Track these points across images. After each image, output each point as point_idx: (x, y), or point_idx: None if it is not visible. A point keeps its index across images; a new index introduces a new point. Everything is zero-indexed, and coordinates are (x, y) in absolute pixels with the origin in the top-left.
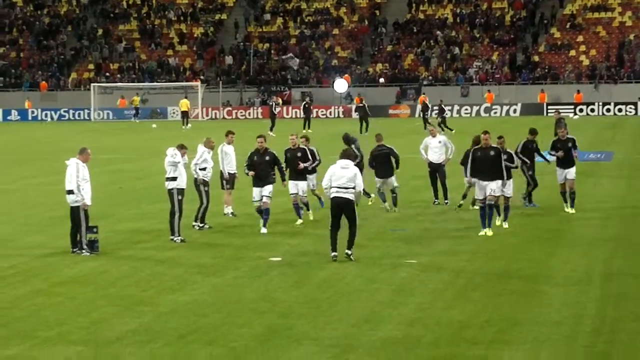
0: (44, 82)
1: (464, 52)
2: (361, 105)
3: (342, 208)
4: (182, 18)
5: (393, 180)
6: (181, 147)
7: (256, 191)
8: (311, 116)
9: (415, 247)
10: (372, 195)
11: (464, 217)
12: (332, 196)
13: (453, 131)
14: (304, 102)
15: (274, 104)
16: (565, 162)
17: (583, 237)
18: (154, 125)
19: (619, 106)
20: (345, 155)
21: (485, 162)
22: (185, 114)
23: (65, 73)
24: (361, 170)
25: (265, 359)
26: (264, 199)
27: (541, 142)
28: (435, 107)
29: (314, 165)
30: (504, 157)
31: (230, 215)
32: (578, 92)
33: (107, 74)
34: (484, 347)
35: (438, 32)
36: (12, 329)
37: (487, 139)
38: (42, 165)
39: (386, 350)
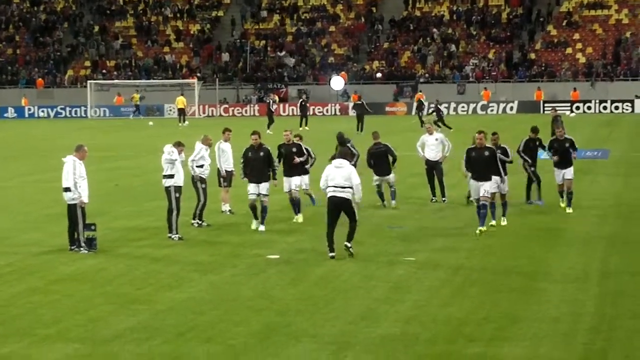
0: (40, 79)
1: (460, 50)
2: (359, 102)
3: (340, 207)
4: (178, 15)
5: (391, 178)
6: (178, 145)
7: (251, 186)
8: (308, 114)
9: (412, 244)
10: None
11: (461, 215)
12: (328, 196)
13: (451, 130)
14: (301, 100)
15: (271, 101)
16: (563, 162)
17: (580, 234)
18: (151, 123)
19: (616, 104)
20: (341, 154)
21: (479, 162)
22: (181, 112)
23: (61, 70)
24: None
25: (263, 356)
26: (263, 198)
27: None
28: (431, 105)
29: (310, 162)
30: (498, 152)
31: (228, 213)
32: (574, 89)
33: (104, 71)
34: (482, 344)
35: (434, 30)
36: (9, 327)
37: (482, 138)
38: (38, 162)
39: (384, 347)
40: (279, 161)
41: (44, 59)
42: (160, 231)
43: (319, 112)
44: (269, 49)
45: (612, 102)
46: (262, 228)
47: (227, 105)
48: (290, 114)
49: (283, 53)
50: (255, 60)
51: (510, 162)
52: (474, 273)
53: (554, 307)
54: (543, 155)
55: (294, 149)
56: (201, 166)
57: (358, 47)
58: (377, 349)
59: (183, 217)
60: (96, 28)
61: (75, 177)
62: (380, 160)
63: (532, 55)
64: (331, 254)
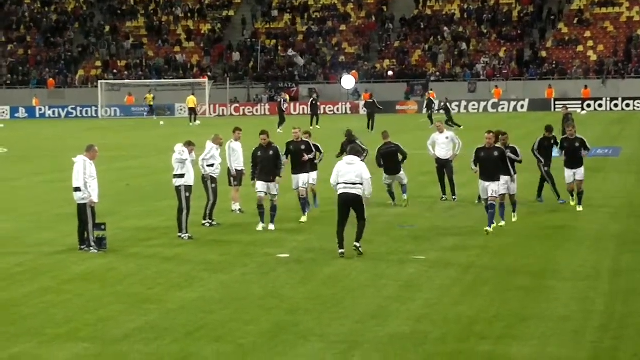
0: (51, 79)
1: (471, 48)
2: (370, 101)
3: (350, 204)
4: (189, 15)
5: (402, 176)
6: (189, 144)
7: (260, 185)
8: (319, 112)
9: (423, 243)
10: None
11: (472, 213)
12: (339, 192)
13: (461, 127)
14: (311, 99)
15: (282, 100)
16: (574, 162)
17: (591, 232)
18: (162, 123)
19: (627, 101)
20: (352, 151)
21: (488, 162)
22: (192, 111)
23: (72, 70)
24: None
25: (273, 355)
26: (273, 198)
27: None
28: (441, 104)
29: (319, 158)
30: (507, 151)
31: (238, 212)
32: (586, 87)
33: (115, 71)
34: (492, 343)
35: (445, 28)
36: (21, 327)
37: (490, 138)
38: (49, 162)
39: (393, 346)
40: (286, 157)
41: (55, 59)
42: (170, 231)
43: (330, 111)
44: (279, 48)
45: (624, 99)
46: (271, 227)
47: (237, 105)
48: (301, 112)
49: (290, 51)
50: (265, 60)
51: (520, 161)
52: (484, 272)
53: (563, 305)
54: (555, 152)
55: (303, 147)
56: (212, 165)
57: (369, 45)
58: (387, 347)
59: (193, 216)
60: (107, 28)
61: (85, 177)
62: (390, 159)
63: (543, 53)
64: (341, 251)
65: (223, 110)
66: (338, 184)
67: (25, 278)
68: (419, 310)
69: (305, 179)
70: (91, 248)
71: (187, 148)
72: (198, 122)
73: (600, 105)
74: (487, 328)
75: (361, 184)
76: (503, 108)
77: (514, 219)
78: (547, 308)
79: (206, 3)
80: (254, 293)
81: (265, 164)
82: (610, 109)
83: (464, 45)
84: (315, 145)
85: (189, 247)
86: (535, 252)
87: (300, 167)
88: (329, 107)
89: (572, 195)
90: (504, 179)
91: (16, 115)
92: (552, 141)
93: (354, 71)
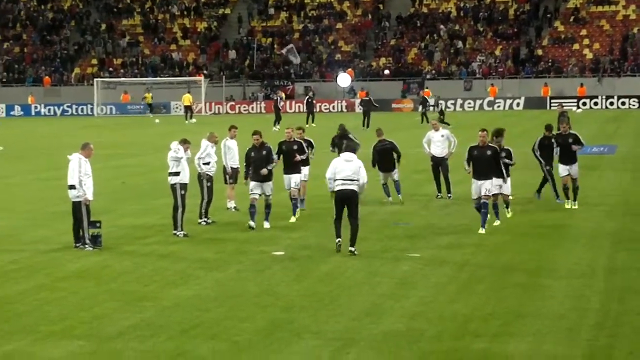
0: (47, 77)
1: (467, 46)
2: (366, 98)
3: (346, 201)
4: (185, 13)
5: (395, 174)
6: (184, 142)
7: (254, 185)
8: (314, 110)
9: (418, 240)
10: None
11: (467, 211)
12: (336, 189)
13: (450, 126)
14: (307, 97)
15: (278, 98)
16: (568, 158)
17: (587, 230)
18: (157, 120)
19: (623, 99)
20: (349, 148)
21: (481, 160)
22: (188, 109)
23: (68, 68)
24: None
25: (268, 352)
26: (268, 198)
27: None
28: (438, 102)
29: (311, 154)
30: (502, 154)
31: (233, 210)
32: (581, 85)
33: (111, 69)
34: (487, 340)
35: (441, 26)
36: (15, 324)
37: (484, 136)
38: (45, 160)
39: (388, 343)
40: (278, 157)
41: (51, 57)
42: (165, 228)
43: (326, 109)
44: (275, 46)
45: (619, 97)
46: (266, 225)
47: (233, 103)
48: (297, 110)
49: (290, 46)
50: (261, 58)
51: (513, 164)
52: (480, 269)
53: (559, 303)
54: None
55: (295, 147)
56: (207, 163)
57: (365, 43)
58: (382, 345)
59: (188, 214)
60: (103, 26)
61: (80, 175)
62: (385, 157)
63: (539, 52)
64: (338, 240)
65: (219, 108)
66: (335, 180)
67: (20, 275)
68: (414, 308)
69: (297, 179)
70: (86, 246)
71: (182, 146)
72: (194, 120)
73: (596, 104)
74: (482, 326)
75: (358, 180)
76: (499, 106)
77: (508, 215)
78: (542, 306)
79: (202, 1)
80: (249, 290)
81: (258, 164)
82: (606, 107)
83: (460, 44)
84: (307, 141)
85: (184, 245)
86: (530, 250)
87: (292, 167)
88: (325, 105)
89: (568, 197)
90: (497, 179)
91: (12, 113)
92: (553, 140)
93: (349, 69)
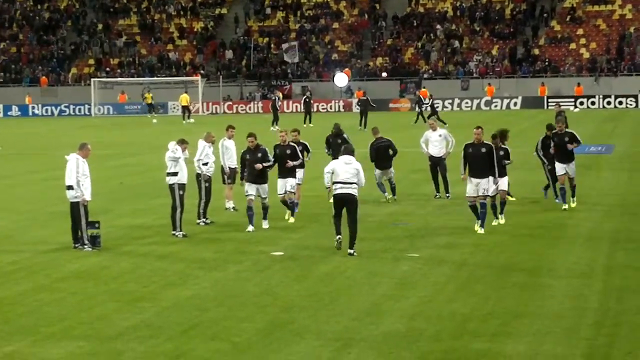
0: (44, 77)
1: (464, 46)
2: (364, 98)
3: (345, 204)
4: (182, 12)
5: (391, 171)
6: (182, 142)
7: (250, 187)
8: (312, 110)
9: (416, 240)
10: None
11: (465, 211)
12: (335, 192)
13: (446, 125)
14: (304, 97)
15: (276, 97)
16: (565, 157)
17: (585, 230)
18: (155, 120)
19: (620, 99)
20: (347, 151)
21: (477, 158)
22: (185, 109)
23: (65, 68)
24: None
25: (267, 353)
26: (264, 200)
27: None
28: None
29: (307, 157)
30: (500, 153)
31: (232, 210)
32: (578, 85)
33: (107, 69)
34: (486, 340)
35: (438, 26)
36: (15, 325)
37: (479, 134)
38: (42, 160)
39: (388, 343)
40: (274, 161)
41: (48, 57)
42: (164, 229)
43: (323, 108)
44: (272, 46)
45: (616, 97)
46: (265, 225)
47: (230, 103)
48: (294, 110)
49: (290, 44)
50: (258, 58)
51: (509, 163)
52: (478, 269)
53: (557, 302)
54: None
55: (288, 151)
56: (206, 164)
57: (362, 43)
58: (381, 345)
59: (187, 214)
60: (100, 26)
61: (78, 175)
62: (382, 154)
63: (536, 51)
64: (338, 237)
65: (216, 108)
66: (334, 182)
67: (19, 276)
68: (413, 308)
69: (293, 183)
70: (85, 246)
71: (180, 146)
72: (192, 119)
73: (593, 103)
74: (481, 325)
75: (356, 182)
76: (496, 106)
77: (501, 221)
78: (541, 305)
79: (199, 1)
80: (249, 291)
81: (253, 166)
82: (603, 107)
83: (456, 43)
84: (303, 144)
85: (183, 245)
86: (529, 249)
87: (286, 171)
88: (322, 105)
89: (565, 200)
90: (493, 178)
91: (9, 113)
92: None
93: (346, 69)
